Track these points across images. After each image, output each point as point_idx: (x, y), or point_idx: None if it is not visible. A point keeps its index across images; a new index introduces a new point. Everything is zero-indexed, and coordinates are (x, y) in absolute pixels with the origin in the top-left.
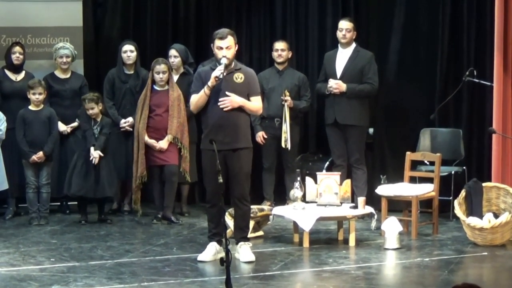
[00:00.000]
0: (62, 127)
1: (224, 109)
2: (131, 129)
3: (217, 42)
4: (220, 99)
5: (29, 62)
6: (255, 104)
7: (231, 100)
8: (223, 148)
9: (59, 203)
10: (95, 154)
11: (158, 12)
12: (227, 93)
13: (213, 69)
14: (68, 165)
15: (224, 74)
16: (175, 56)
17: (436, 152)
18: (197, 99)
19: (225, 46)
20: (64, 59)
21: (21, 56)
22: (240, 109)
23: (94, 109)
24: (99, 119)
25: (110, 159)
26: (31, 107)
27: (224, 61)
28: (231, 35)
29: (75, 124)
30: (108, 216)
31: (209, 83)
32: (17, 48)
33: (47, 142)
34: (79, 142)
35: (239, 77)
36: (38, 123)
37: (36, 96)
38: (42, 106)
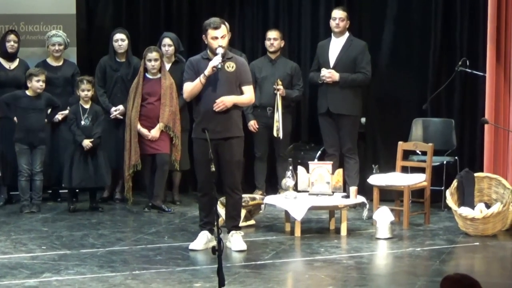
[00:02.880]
0: None
1: (217, 110)
2: (121, 117)
3: (212, 32)
4: (214, 105)
5: (22, 50)
6: (246, 96)
7: (223, 102)
8: (214, 137)
9: (50, 191)
10: (86, 144)
11: (151, 0)
12: (217, 100)
13: (204, 58)
14: (59, 153)
15: (222, 63)
16: (169, 45)
17: (428, 142)
18: (191, 87)
19: (220, 35)
20: (57, 47)
21: (16, 45)
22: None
23: (90, 91)
24: (88, 106)
25: (104, 148)
26: (28, 93)
27: (220, 51)
28: (224, 24)
29: (66, 112)
30: (100, 204)
31: (206, 72)
32: (12, 36)
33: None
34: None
35: (230, 66)
36: (35, 110)
37: (40, 83)
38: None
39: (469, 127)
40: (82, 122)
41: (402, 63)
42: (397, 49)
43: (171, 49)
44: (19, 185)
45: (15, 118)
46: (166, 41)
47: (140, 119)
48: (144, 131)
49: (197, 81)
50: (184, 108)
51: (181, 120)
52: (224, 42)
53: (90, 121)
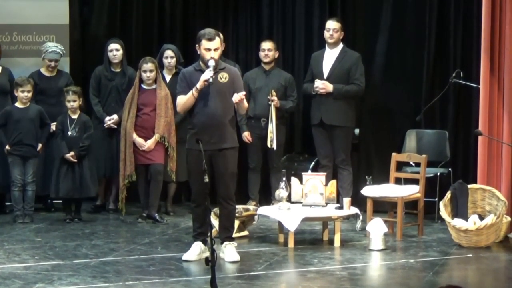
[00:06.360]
0: None
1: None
2: (115, 127)
3: (205, 44)
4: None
5: (15, 60)
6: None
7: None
8: (209, 148)
9: (43, 201)
10: (70, 157)
11: (144, 10)
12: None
13: (197, 69)
14: (53, 163)
15: (214, 77)
16: (171, 57)
17: (422, 154)
18: (184, 100)
19: (214, 47)
20: (53, 64)
21: None
22: (226, 109)
23: (76, 102)
24: (76, 116)
25: (92, 158)
26: (18, 105)
27: (212, 63)
28: (218, 36)
29: None
30: (91, 214)
31: (198, 86)
32: None
33: (41, 136)
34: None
35: (223, 77)
36: (26, 121)
37: (25, 93)
38: (28, 104)
39: (463, 139)
40: (69, 133)
41: (396, 74)
42: (391, 61)
43: (173, 60)
44: (12, 196)
45: (7, 147)
46: (168, 52)
47: (136, 129)
48: (140, 140)
49: (189, 94)
50: (184, 120)
51: (180, 132)
52: (216, 54)
53: (78, 132)
